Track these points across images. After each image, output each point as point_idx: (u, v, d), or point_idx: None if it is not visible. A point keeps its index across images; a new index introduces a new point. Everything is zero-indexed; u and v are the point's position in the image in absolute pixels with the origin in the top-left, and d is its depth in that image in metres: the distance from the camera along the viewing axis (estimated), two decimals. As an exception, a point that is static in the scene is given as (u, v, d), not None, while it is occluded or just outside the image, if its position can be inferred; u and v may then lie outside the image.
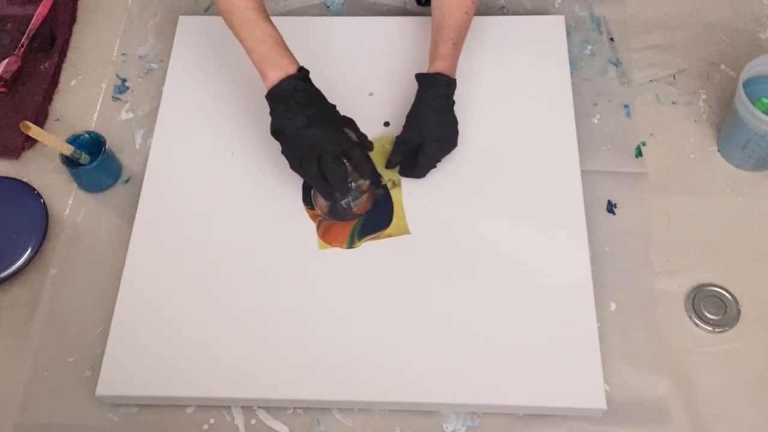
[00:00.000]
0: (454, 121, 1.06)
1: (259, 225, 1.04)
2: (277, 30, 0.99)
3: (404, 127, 1.06)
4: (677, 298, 1.00)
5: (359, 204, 1.03)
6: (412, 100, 1.07)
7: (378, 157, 1.07)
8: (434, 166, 1.06)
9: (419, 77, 1.06)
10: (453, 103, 1.05)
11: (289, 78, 0.96)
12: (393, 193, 1.06)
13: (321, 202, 1.04)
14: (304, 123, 0.96)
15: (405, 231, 1.03)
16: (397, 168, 1.07)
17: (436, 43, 1.06)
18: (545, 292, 0.98)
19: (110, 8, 1.29)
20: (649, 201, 1.07)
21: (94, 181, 1.10)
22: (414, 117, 1.05)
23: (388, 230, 1.03)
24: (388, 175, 1.07)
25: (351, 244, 1.02)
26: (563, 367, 0.93)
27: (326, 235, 1.03)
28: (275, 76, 0.96)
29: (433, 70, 1.05)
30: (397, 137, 1.06)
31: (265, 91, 0.98)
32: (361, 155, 0.98)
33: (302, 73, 0.98)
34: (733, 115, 1.06)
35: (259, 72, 0.98)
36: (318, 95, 0.99)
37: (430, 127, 1.04)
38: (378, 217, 1.04)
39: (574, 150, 1.08)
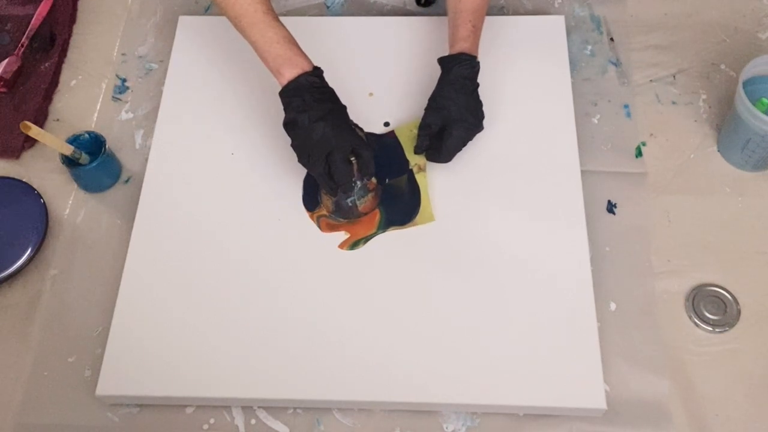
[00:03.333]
0: (478, 103, 1.04)
1: (258, 225, 1.04)
2: (288, 31, 0.99)
3: (426, 109, 1.04)
4: (677, 298, 1.00)
5: (365, 202, 1.03)
6: (412, 100, 1.07)
7: (407, 142, 1.07)
8: (460, 149, 1.04)
9: (441, 60, 1.05)
10: (477, 84, 1.04)
11: (305, 74, 0.96)
12: (418, 178, 1.06)
13: (327, 201, 1.04)
14: (317, 116, 0.95)
15: (430, 218, 1.03)
16: (424, 153, 1.06)
17: (456, 27, 1.05)
18: (545, 292, 0.98)
19: (110, 8, 1.29)
20: (649, 201, 1.07)
21: (94, 181, 1.10)
22: (437, 98, 1.04)
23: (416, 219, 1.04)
24: (414, 160, 1.07)
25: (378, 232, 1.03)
26: (563, 367, 0.93)
27: (352, 229, 1.03)
28: (291, 73, 0.96)
29: (455, 51, 1.04)
30: (422, 120, 1.05)
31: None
32: (370, 156, 0.98)
33: (317, 72, 0.98)
34: (733, 115, 1.06)
35: (273, 71, 0.98)
36: (333, 94, 0.99)
37: (454, 108, 1.02)
38: (405, 210, 1.04)
39: (574, 150, 1.08)
